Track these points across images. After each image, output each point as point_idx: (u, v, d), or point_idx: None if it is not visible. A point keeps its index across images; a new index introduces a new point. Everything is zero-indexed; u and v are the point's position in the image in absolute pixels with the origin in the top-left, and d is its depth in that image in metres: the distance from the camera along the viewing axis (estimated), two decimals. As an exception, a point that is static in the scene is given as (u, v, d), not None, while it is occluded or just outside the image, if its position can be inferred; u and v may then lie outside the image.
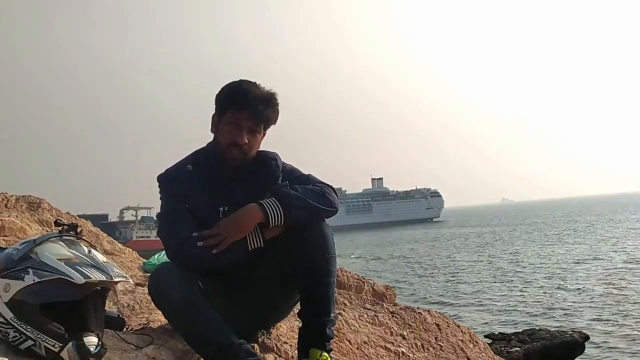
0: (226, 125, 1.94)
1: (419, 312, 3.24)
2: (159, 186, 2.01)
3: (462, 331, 3.38)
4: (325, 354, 1.89)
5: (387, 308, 3.21)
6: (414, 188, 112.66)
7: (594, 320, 14.10)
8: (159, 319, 2.33)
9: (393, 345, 2.76)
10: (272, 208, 1.84)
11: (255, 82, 1.97)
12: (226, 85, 1.98)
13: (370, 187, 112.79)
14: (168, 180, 1.99)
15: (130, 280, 2.01)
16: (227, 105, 1.95)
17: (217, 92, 1.99)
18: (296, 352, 2.00)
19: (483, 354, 3.36)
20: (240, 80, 1.98)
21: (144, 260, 3.93)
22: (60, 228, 1.72)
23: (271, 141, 2.09)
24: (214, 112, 2.00)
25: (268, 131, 2.04)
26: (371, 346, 2.64)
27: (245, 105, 1.92)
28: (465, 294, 19.44)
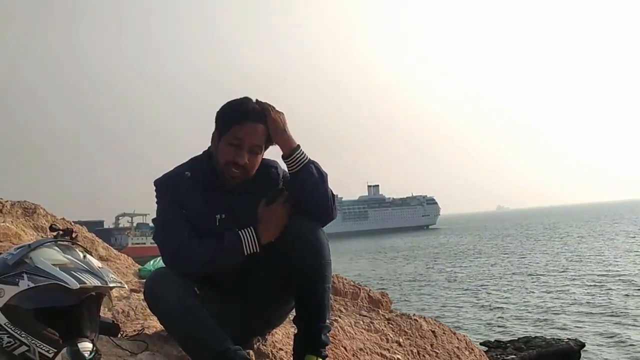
0: (226, 144, 1.91)
1: (414, 319, 3.23)
2: (155, 191, 1.99)
3: (458, 338, 3.37)
4: (321, 360, 1.89)
5: (382, 315, 3.20)
6: (410, 195, 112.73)
7: (589, 328, 14.12)
8: (154, 325, 2.32)
9: (389, 352, 2.76)
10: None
11: (255, 100, 1.95)
12: (227, 103, 1.95)
13: (367, 194, 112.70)
14: (165, 186, 1.98)
15: (126, 285, 2.01)
16: (228, 123, 1.92)
17: (217, 110, 1.96)
18: (291, 358, 1.99)
19: (479, 361, 3.35)
20: (242, 98, 1.95)
21: (140, 266, 3.92)
22: (55, 233, 1.71)
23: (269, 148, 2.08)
24: (214, 128, 1.97)
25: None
26: (367, 353, 2.64)
27: (246, 124, 1.90)
28: (461, 301, 19.43)
